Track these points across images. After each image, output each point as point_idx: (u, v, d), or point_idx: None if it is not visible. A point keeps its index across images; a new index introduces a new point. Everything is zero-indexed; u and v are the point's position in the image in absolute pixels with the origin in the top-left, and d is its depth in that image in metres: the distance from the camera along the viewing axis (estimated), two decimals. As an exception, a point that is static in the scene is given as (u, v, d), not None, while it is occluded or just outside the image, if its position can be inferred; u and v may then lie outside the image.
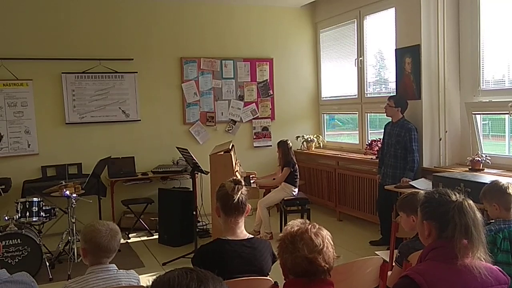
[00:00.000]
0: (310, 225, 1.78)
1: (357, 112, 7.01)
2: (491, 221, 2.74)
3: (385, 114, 5.39)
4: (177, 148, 5.54)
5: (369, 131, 6.84)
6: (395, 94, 5.61)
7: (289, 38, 7.68)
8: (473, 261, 1.74)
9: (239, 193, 2.45)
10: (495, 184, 2.79)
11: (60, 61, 6.32)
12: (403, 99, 5.32)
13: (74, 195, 4.94)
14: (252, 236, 2.52)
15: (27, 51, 6.18)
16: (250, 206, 2.54)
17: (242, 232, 2.48)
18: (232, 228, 2.45)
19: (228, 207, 2.43)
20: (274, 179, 6.22)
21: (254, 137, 7.55)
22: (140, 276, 2.40)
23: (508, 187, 2.72)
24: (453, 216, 1.77)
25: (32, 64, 6.19)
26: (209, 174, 5.16)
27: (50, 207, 4.94)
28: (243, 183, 2.53)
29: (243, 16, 7.34)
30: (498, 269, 1.81)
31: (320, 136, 7.67)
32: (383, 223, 5.38)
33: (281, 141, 6.07)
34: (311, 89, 7.89)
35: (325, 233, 1.79)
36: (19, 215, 4.69)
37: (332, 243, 1.77)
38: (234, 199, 2.43)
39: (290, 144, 6.02)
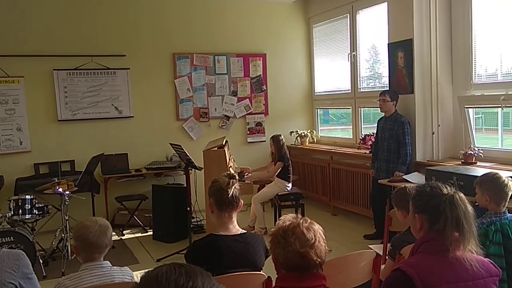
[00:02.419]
0: (301, 220, 1.78)
1: (350, 107, 7.02)
2: (476, 204, 2.72)
3: (380, 109, 5.39)
4: (171, 144, 5.52)
5: (363, 126, 6.85)
6: (388, 88, 5.62)
7: (282, 33, 7.66)
8: (465, 253, 1.75)
9: (233, 187, 2.44)
10: (495, 178, 2.74)
11: (52, 57, 6.27)
12: (396, 92, 5.34)
13: (67, 192, 4.92)
14: (245, 231, 2.52)
15: (18, 47, 6.12)
16: (242, 201, 2.54)
17: (235, 227, 2.48)
18: (225, 223, 2.45)
19: (222, 202, 2.43)
20: (268, 171, 6.21)
21: (248, 132, 7.54)
22: (134, 273, 2.39)
23: (507, 185, 2.67)
24: (444, 209, 1.78)
25: (23, 61, 6.14)
26: (203, 170, 5.16)
27: (43, 205, 4.92)
28: (237, 178, 2.53)
29: (235, 11, 7.31)
30: (490, 262, 1.82)
31: (314, 131, 7.68)
32: (377, 217, 5.40)
33: (274, 136, 6.07)
34: (305, 84, 7.89)
35: (317, 227, 1.79)
36: (12, 212, 4.66)
37: (323, 237, 1.77)
38: (229, 194, 2.43)
39: (283, 139, 6.02)
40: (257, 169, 6.41)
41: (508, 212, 2.71)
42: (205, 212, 5.34)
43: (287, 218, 1.82)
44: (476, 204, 2.76)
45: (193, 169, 5.34)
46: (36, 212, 4.81)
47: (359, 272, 2.45)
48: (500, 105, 4.76)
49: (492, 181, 2.73)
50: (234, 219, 2.50)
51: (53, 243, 5.18)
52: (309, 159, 7.28)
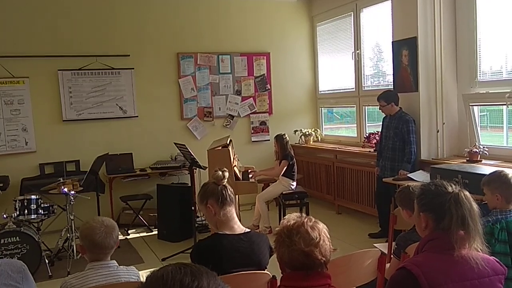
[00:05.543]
0: (306, 219, 1.78)
1: (354, 105, 7.01)
2: (484, 202, 2.71)
3: (383, 114, 5.41)
4: (175, 143, 5.53)
5: (367, 124, 6.85)
6: (385, 90, 5.60)
7: (285, 32, 7.66)
8: (470, 252, 1.75)
9: (226, 180, 2.52)
10: (503, 176, 2.73)
11: (56, 58, 6.29)
12: (391, 93, 5.34)
13: (72, 192, 4.95)
14: (249, 230, 2.53)
15: (23, 48, 6.15)
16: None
17: (240, 227, 2.48)
18: (229, 221, 2.46)
19: (222, 197, 2.46)
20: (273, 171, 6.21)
21: (252, 131, 7.54)
22: (140, 272, 2.40)
23: None
24: (449, 208, 1.77)
25: (28, 61, 6.17)
26: (207, 169, 5.17)
27: (48, 205, 4.94)
28: (226, 169, 2.57)
29: (239, 10, 7.31)
30: (495, 260, 1.82)
31: (318, 130, 7.68)
32: (382, 216, 5.39)
33: (278, 135, 6.07)
34: (309, 83, 7.88)
35: (321, 226, 1.79)
36: (18, 213, 4.69)
37: (328, 236, 1.77)
38: (226, 187, 2.49)
39: (287, 137, 6.02)
40: (263, 170, 6.41)
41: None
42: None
43: (292, 217, 1.82)
44: (484, 202, 2.75)
45: (197, 169, 5.35)
46: (42, 212, 4.83)
47: (364, 271, 2.45)
48: (505, 103, 4.74)
49: (500, 178, 2.72)
50: (235, 216, 2.51)
51: (59, 242, 5.21)
52: (313, 158, 7.28)
